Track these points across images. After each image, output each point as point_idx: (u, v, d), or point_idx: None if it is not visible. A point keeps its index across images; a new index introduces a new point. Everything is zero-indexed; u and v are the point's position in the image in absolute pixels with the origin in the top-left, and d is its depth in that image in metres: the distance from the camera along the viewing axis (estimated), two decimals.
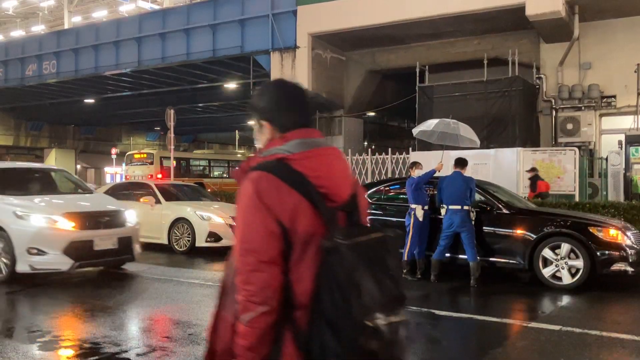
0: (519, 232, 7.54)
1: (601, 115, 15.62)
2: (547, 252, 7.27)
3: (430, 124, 9.22)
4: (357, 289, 1.54)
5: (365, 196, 1.85)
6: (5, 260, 7.18)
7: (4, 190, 7.74)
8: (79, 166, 41.69)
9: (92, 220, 7.53)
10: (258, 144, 1.82)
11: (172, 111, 16.10)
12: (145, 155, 28.23)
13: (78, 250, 7.17)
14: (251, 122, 1.88)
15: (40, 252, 7.01)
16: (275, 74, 18.20)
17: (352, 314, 1.53)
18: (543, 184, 11.54)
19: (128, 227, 7.96)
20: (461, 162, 7.86)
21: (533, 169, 11.71)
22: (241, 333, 1.60)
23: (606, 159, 13.76)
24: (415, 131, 9.82)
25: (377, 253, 1.62)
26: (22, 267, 7.04)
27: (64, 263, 7.07)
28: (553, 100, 15.63)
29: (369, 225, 1.77)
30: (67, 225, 7.20)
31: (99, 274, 8.16)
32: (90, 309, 6.09)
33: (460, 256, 7.73)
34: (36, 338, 4.99)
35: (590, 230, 7.18)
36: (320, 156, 1.70)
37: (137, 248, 8.08)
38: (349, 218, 1.70)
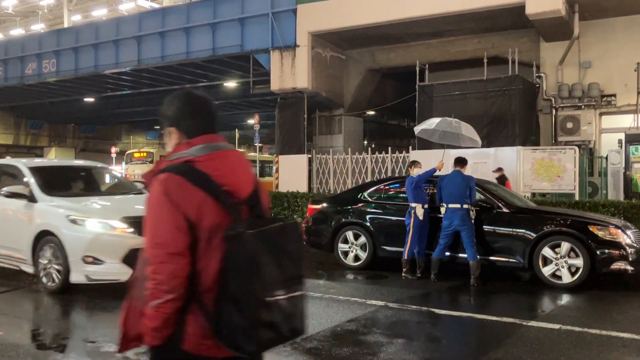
0: (519, 231, 7.54)
1: (601, 114, 15.62)
2: (547, 251, 7.28)
3: (432, 122, 9.22)
4: (257, 270, 1.77)
5: (266, 194, 2.12)
6: (57, 268, 6.59)
7: (50, 191, 7.09)
8: None
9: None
10: (167, 149, 2.03)
11: None
12: (145, 154, 28.27)
13: (137, 258, 6.75)
14: (162, 129, 2.10)
15: (97, 261, 6.35)
16: (275, 73, 18.20)
17: (254, 292, 1.76)
18: (509, 183, 11.61)
19: None
20: (461, 161, 7.87)
21: (499, 169, 11.84)
22: (149, 316, 1.82)
23: (606, 158, 13.76)
24: (416, 129, 9.82)
25: (278, 239, 1.88)
26: (77, 277, 6.42)
27: (123, 273, 6.23)
28: (553, 99, 15.63)
29: (270, 217, 2.05)
30: (126, 231, 6.51)
31: None
32: None
33: (460, 255, 7.74)
34: (95, 350, 4.71)
35: (590, 229, 7.18)
36: (222, 158, 1.93)
37: None
38: (252, 211, 1.94)
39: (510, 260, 7.59)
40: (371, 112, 22.23)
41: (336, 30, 17.23)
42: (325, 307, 6.18)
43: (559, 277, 7.19)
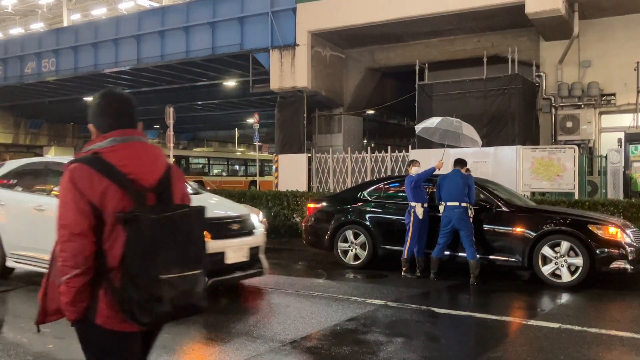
0: (519, 230, 7.54)
1: (601, 113, 15.62)
2: (546, 250, 7.28)
3: (434, 121, 9.22)
4: (153, 251, 1.97)
5: (183, 181, 2.32)
6: None
7: None
8: None
9: (223, 227, 6.36)
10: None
11: (171, 109, 16.09)
12: None
13: (210, 265, 6.16)
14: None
15: None
16: (274, 72, 18.19)
17: (148, 271, 1.97)
18: None
19: (257, 235, 6.82)
20: (461, 162, 7.91)
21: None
22: (62, 291, 2.03)
23: (606, 157, 13.75)
24: (417, 128, 9.81)
25: (180, 224, 2.07)
26: None
27: None
28: (552, 98, 15.62)
29: (180, 203, 2.22)
30: None
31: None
32: (227, 332, 5.15)
33: (460, 254, 7.75)
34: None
35: (590, 228, 7.18)
36: (128, 149, 2.13)
37: (264, 260, 6.91)
38: (159, 198, 2.13)
39: (510, 259, 7.60)
40: (371, 111, 22.22)
41: (336, 29, 17.22)
42: (325, 306, 6.18)
43: (559, 276, 7.19)
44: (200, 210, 2.21)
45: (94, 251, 2.03)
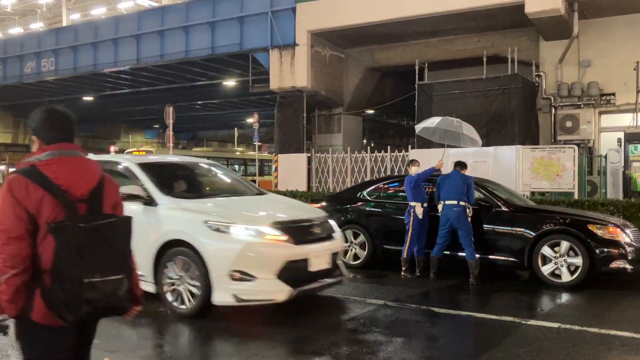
0: (518, 229, 7.53)
1: (600, 113, 15.61)
2: (546, 250, 7.28)
3: (434, 121, 9.21)
4: (79, 256, 2.21)
5: (117, 192, 2.56)
6: (192, 288, 5.39)
7: (168, 192, 5.99)
8: None
9: (304, 231, 5.75)
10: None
11: (171, 109, 16.08)
12: (144, 153, 28.21)
13: (293, 273, 5.38)
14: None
15: (247, 277, 5.17)
16: (274, 72, 18.18)
17: (74, 274, 2.20)
18: None
19: (337, 240, 6.18)
20: (461, 164, 7.92)
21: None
22: (2, 290, 2.22)
23: (605, 157, 13.75)
24: (418, 128, 9.81)
25: (106, 232, 2.32)
26: (222, 298, 5.22)
27: (278, 291, 5.23)
28: (552, 98, 15.62)
29: (109, 213, 2.44)
30: (279, 240, 5.41)
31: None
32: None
33: (460, 254, 7.74)
34: None
35: (590, 227, 7.18)
36: (62, 162, 2.36)
37: (343, 267, 6.26)
38: (90, 208, 2.35)
39: (510, 259, 7.59)
40: (370, 111, 22.22)
41: (335, 29, 17.21)
42: (324, 306, 6.17)
43: (558, 276, 7.19)
44: (127, 219, 2.43)
45: (31, 254, 2.25)
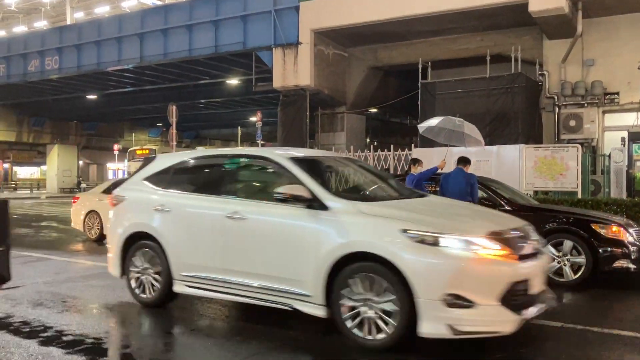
0: None
1: (604, 112, 15.59)
2: (549, 249, 7.26)
3: (436, 121, 9.21)
4: None
5: None
6: (383, 312, 4.30)
7: (341, 193, 5.17)
8: (81, 162, 41.77)
9: (521, 244, 4.57)
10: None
11: (174, 107, 16.11)
12: (147, 152, 28.32)
13: (516, 297, 4.28)
14: None
15: (465, 303, 4.10)
16: (277, 70, 18.20)
17: None
18: None
19: (547, 255, 5.13)
20: (464, 161, 7.89)
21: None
22: None
23: (609, 156, 13.73)
24: (420, 128, 9.81)
25: None
26: (432, 328, 4.16)
27: (504, 321, 4.20)
28: (556, 97, 15.60)
29: None
30: (501, 255, 4.30)
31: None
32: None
33: None
34: None
35: (593, 227, 7.16)
36: None
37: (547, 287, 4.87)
38: None
39: None
40: (373, 110, 22.23)
41: (338, 27, 17.22)
42: None
43: (561, 275, 7.18)
44: (5, 201, 2.88)
45: None
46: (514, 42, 15.58)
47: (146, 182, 5.98)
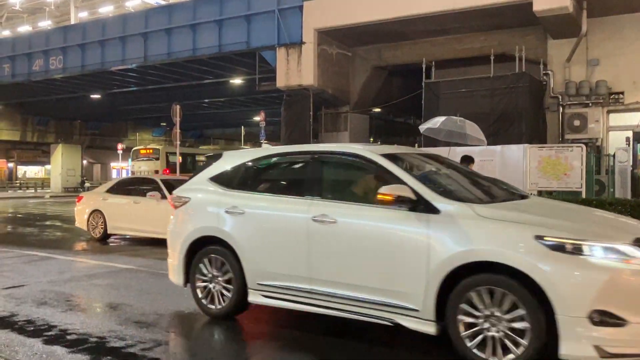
0: None
1: (609, 112, 15.54)
2: None
3: (437, 121, 9.21)
4: None
5: None
6: (513, 331, 3.69)
7: (452, 194, 4.41)
8: (85, 161, 41.88)
9: None
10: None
11: (178, 107, 16.14)
12: (151, 151, 28.34)
13: None
14: None
15: (615, 321, 3.51)
16: (281, 70, 18.19)
17: None
18: None
19: None
20: (467, 159, 7.87)
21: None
22: None
23: (613, 156, 13.68)
24: (422, 128, 9.80)
25: None
26: (576, 350, 3.55)
27: None
28: (560, 97, 15.56)
29: None
30: None
31: None
32: None
33: None
34: None
35: None
36: None
37: None
38: None
39: None
40: (377, 110, 22.21)
41: (342, 27, 17.21)
42: None
43: None
44: None
45: None
46: (518, 42, 15.55)
47: (213, 182, 5.41)
